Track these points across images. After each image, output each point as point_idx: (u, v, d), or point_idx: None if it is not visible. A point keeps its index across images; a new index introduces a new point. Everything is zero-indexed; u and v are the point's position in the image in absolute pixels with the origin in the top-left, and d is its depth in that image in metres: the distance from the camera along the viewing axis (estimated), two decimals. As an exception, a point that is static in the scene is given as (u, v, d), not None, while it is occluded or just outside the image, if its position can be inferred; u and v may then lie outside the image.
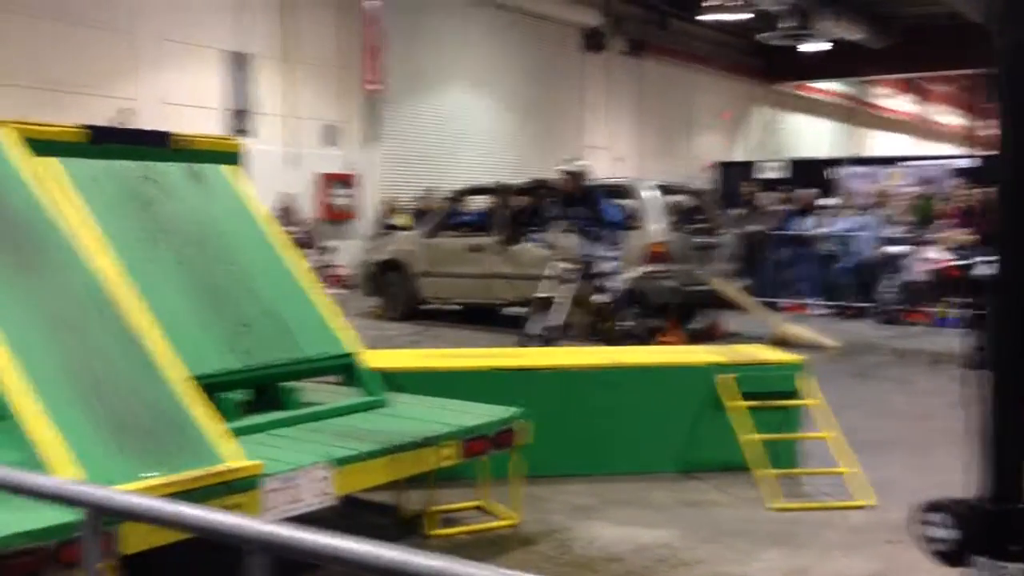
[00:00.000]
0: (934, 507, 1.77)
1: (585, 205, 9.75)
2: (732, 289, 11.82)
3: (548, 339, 8.92)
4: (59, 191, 4.19)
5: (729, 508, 5.22)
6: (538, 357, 6.21)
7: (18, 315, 3.47)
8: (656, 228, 11.55)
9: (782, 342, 11.11)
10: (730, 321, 12.69)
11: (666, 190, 13.05)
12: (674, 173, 23.85)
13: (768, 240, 14.85)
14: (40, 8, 14.17)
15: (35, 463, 3.11)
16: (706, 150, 27.23)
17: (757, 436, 5.55)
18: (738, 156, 28.27)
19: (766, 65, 29.05)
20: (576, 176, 9.80)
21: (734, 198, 16.54)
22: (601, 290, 9.62)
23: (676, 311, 11.74)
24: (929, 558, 1.79)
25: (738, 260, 13.29)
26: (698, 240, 12.08)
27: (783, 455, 5.80)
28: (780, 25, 23.16)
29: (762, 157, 24.50)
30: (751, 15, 23.18)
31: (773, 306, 14.26)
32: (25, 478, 1.88)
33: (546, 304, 9.24)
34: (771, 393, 5.84)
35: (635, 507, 5.18)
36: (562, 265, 9.49)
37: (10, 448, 3.34)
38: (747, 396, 5.73)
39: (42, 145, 4.32)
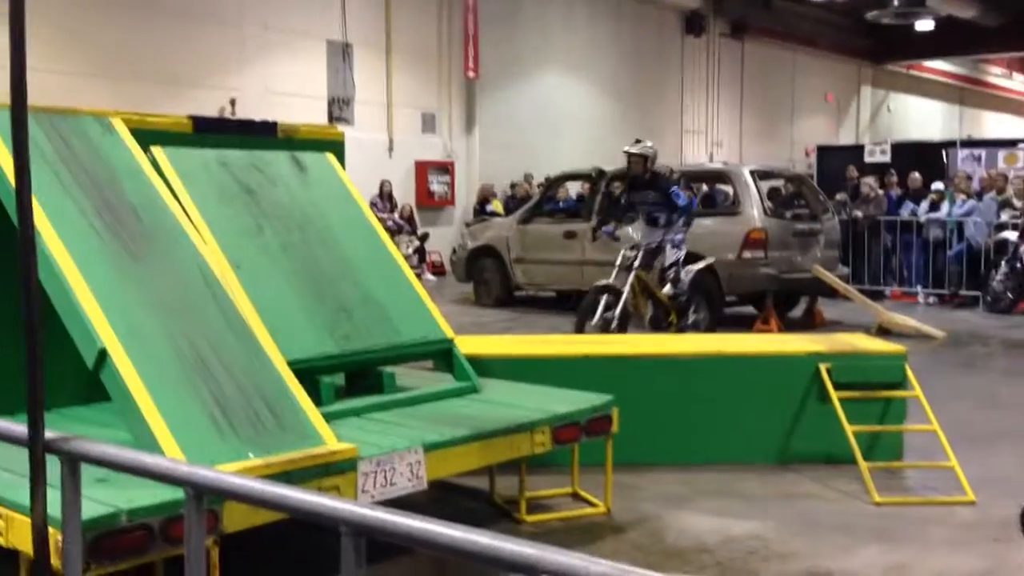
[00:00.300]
0: None
1: (653, 189, 9.27)
2: (833, 277, 11.54)
3: (605, 329, 8.53)
4: (166, 180, 4.35)
5: (827, 501, 5.11)
6: (632, 344, 6.18)
7: (130, 300, 3.63)
8: (754, 214, 11.34)
9: (886, 331, 10.83)
10: (831, 309, 12.41)
11: (765, 175, 12.80)
12: (775, 157, 23.39)
13: (874, 226, 14.42)
14: (152, 4, 14.68)
15: (144, 442, 3.26)
16: (809, 133, 26.59)
17: (858, 428, 5.42)
18: (843, 139, 27.53)
19: (874, 45, 28.15)
20: (643, 159, 9.26)
21: (838, 182, 16.11)
22: (666, 281, 9.18)
23: (774, 299, 11.53)
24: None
25: (841, 247, 12.96)
26: (799, 226, 11.82)
27: (885, 447, 5.67)
28: (891, 3, 22.42)
29: (869, 140, 23.80)
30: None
31: (879, 294, 13.88)
32: (133, 457, 1.97)
33: (609, 292, 8.82)
34: (873, 384, 5.71)
35: (728, 498, 5.12)
36: (624, 252, 9.07)
37: (123, 427, 3.50)
38: (848, 386, 5.60)
39: (149, 135, 4.50)
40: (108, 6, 14.19)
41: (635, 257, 8.98)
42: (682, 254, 9.30)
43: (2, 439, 2.16)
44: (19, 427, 2.04)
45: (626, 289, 8.81)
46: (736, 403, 5.71)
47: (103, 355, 3.38)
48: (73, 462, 2.01)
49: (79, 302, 3.49)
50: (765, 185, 12.72)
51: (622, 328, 8.72)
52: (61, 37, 13.44)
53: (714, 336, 6.80)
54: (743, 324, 11.41)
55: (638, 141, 9.55)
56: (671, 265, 9.20)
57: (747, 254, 11.19)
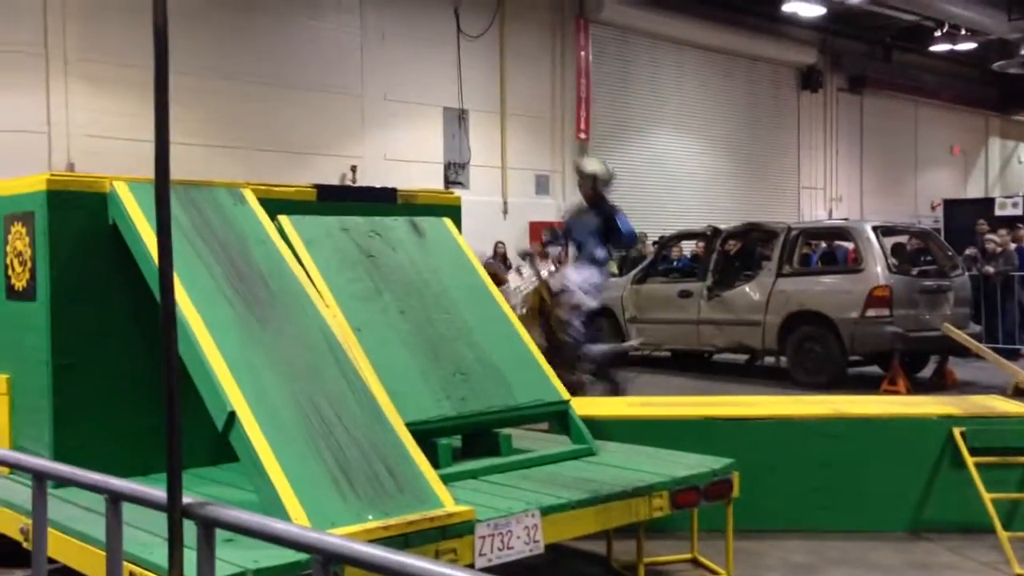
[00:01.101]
0: None
1: (598, 215, 7.85)
2: (964, 335, 11.05)
3: None
4: (291, 246, 4.52)
5: (965, 572, 4.85)
6: (755, 406, 6.03)
7: (258, 365, 3.77)
8: (877, 271, 11.02)
9: (1023, 392, 10.28)
10: (963, 370, 11.87)
11: (888, 231, 12.45)
12: (897, 212, 22.74)
13: (1007, 282, 13.80)
14: (281, 78, 15.42)
15: (270, 502, 3.35)
16: (934, 187, 25.78)
17: (997, 495, 5.14)
18: (971, 192, 26.58)
19: (1000, 95, 27.25)
20: (592, 179, 7.84)
21: (967, 237, 15.51)
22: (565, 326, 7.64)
23: (902, 358, 11.11)
24: None
25: (973, 304, 12.44)
26: (926, 283, 11.41)
27: (1026, 516, 5.35)
28: (1018, 52, 21.71)
29: (999, 193, 22.90)
30: (982, 44, 21.88)
31: (1015, 353, 13.21)
32: (263, 523, 2.03)
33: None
34: (1012, 448, 5.42)
35: (858, 567, 4.91)
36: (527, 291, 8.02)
37: (249, 487, 3.62)
38: (984, 451, 5.34)
39: (276, 204, 4.70)
40: (242, 83, 14.96)
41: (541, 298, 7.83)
42: (587, 295, 7.63)
43: (143, 503, 2.27)
44: (158, 492, 2.14)
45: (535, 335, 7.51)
46: (865, 468, 5.51)
47: (232, 418, 3.51)
48: (208, 527, 2.09)
49: (211, 367, 3.64)
50: (889, 241, 12.37)
51: None
52: (195, 112, 14.23)
53: (838, 398, 6.58)
54: (868, 385, 11.02)
55: (586, 156, 8.47)
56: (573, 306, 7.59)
57: (871, 312, 10.85)
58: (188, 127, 13.80)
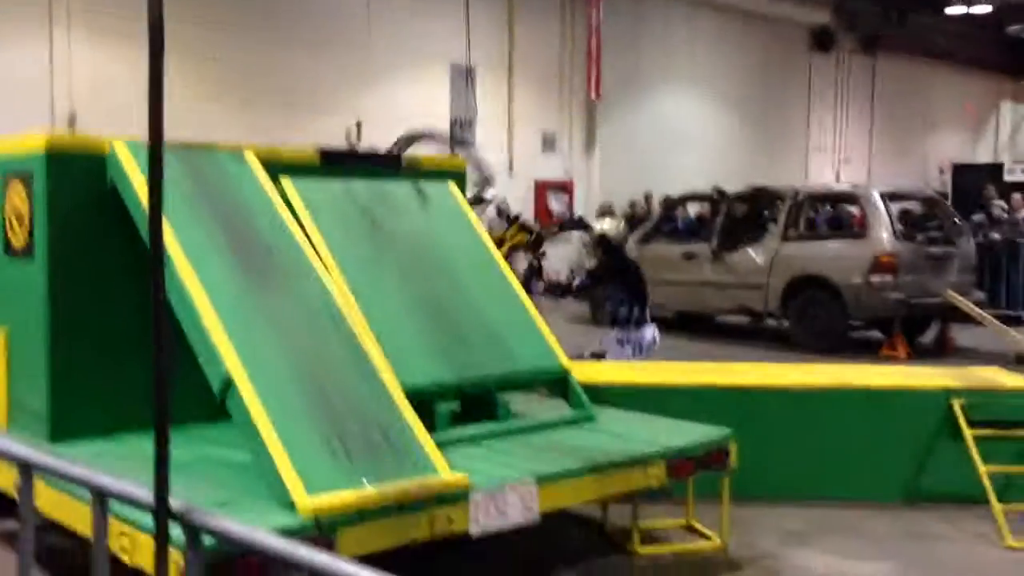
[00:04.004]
0: None
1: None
2: (967, 302, 11.03)
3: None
4: (293, 211, 4.51)
5: (956, 543, 4.89)
6: (755, 375, 6.04)
7: (257, 328, 3.78)
8: (883, 237, 10.98)
9: (1023, 360, 10.28)
10: (965, 336, 11.86)
11: (896, 196, 12.37)
12: (906, 175, 22.58)
13: (1012, 248, 13.73)
14: (284, 31, 15.26)
15: (264, 466, 3.38)
16: (944, 150, 25.59)
17: (993, 467, 5.17)
18: (981, 157, 26.36)
19: (1015, 59, 26.88)
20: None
21: (975, 201, 15.42)
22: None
23: (904, 324, 11.11)
24: None
25: (978, 271, 12.40)
26: (932, 249, 11.36)
27: (1021, 488, 5.37)
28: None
29: (1009, 158, 22.72)
30: (998, 7, 21.56)
31: (1018, 320, 13.19)
32: (250, 534, 2.06)
33: None
34: (1010, 421, 5.43)
35: (851, 536, 4.95)
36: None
37: (243, 448, 3.64)
38: (983, 424, 5.35)
39: (279, 167, 4.67)
40: (243, 35, 14.82)
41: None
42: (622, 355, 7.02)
43: (129, 502, 2.27)
44: (145, 491, 2.14)
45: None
46: (862, 438, 5.53)
47: (228, 383, 3.53)
48: (194, 532, 2.11)
49: (208, 331, 3.65)
50: (896, 207, 12.30)
51: None
52: (197, 66, 14.11)
53: (839, 367, 6.58)
54: (868, 350, 11.04)
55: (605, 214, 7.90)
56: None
57: (875, 278, 10.83)
58: (188, 81, 13.70)
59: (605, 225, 7.79)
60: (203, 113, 13.30)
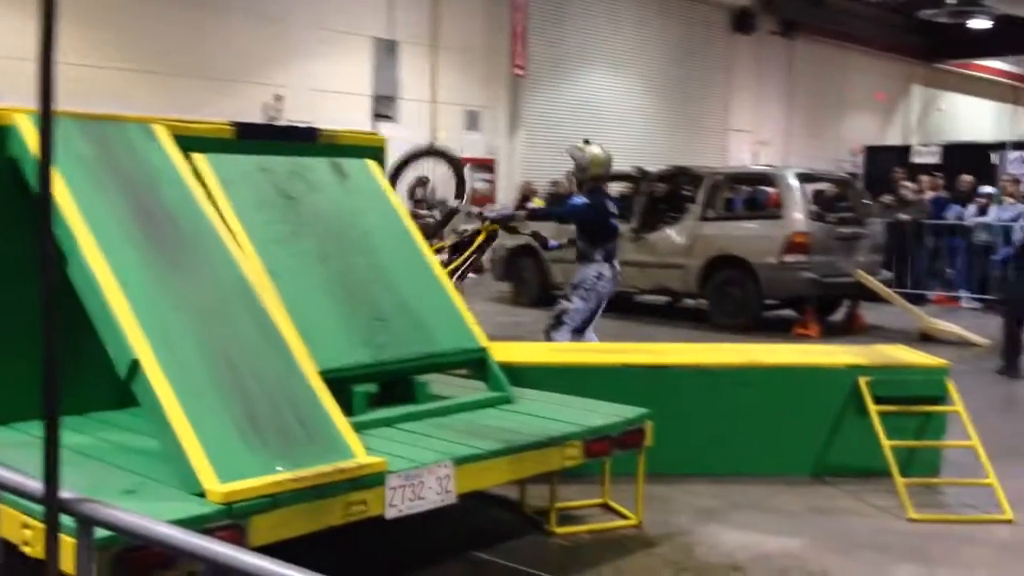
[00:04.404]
0: None
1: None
2: (876, 281, 11.38)
3: None
4: (206, 187, 4.39)
5: (863, 517, 5.05)
6: (669, 354, 6.13)
7: (165, 309, 3.67)
8: (797, 217, 11.23)
9: (928, 337, 10.66)
10: (873, 314, 12.23)
11: (810, 178, 12.66)
12: (822, 157, 23.09)
13: (919, 229, 14.19)
14: (207, 1, 14.84)
15: (173, 454, 3.30)
16: (858, 133, 26.20)
17: (896, 443, 5.35)
18: (892, 139, 27.10)
19: (927, 43, 27.64)
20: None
21: (885, 184, 15.86)
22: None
23: (815, 303, 11.40)
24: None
25: (885, 250, 12.77)
26: (842, 230, 11.67)
27: (923, 463, 5.59)
28: (945, 2, 22.02)
29: (918, 140, 23.41)
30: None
31: (922, 299, 13.65)
32: (144, 525, 1.99)
33: None
34: (914, 398, 5.62)
35: (761, 512, 5.08)
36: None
37: (151, 434, 3.55)
38: (888, 400, 5.53)
39: (191, 142, 4.54)
40: (161, 5, 14.37)
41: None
42: (574, 306, 7.35)
43: (19, 494, 2.20)
44: (35, 483, 2.08)
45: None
46: (773, 415, 5.66)
47: (135, 366, 3.43)
48: (85, 524, 2.05)
49: (113, 310, 3.53)
50: (810, 188, 12.58)
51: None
52: (108, 33, 13.66)
53: (752, 346, 6.73)
54: (782, 328, 11.30)
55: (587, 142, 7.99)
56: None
57: (789, 258, 11.09)
58: (98, 48, 13.26)
59: (593, 149, 7.77)
60: (110, 83, 12.91)
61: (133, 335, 3.47)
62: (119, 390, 3.98)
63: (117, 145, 4.22)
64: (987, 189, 14.34)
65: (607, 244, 7.56)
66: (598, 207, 7.52)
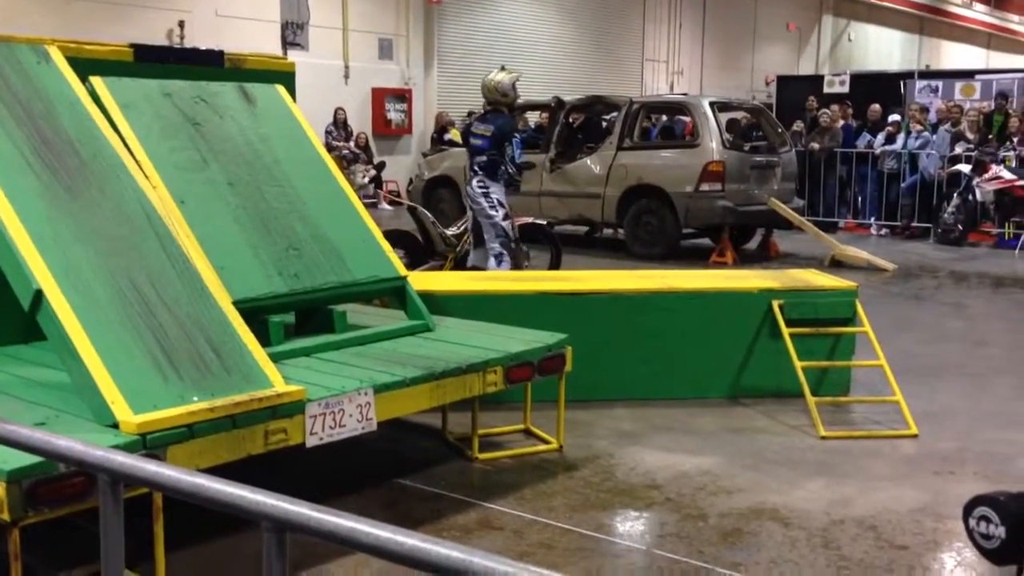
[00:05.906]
0: (979, 501, 1.65)
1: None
2: (789, 209, 11.60)
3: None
4: (106, 112, 4.19)
5: (775, 436, 5.19)
6: (586, 281, 6.16)
7: (68, 239, 3.51)
8: (712, 146, 11.32)
9: (838, 263, 10.95)
10: (786, 242, 12.50)
11: (724, 107, 12.75)
12: (736, 87, 23.30)
13: (830, 158, 14.47)
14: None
15: (84, 385, 3.19)
16: (771, 63, 26.47)
17: (808, 363, 5.49)
18: (804, 69, 27.45)
19: (837, -27, 27.92)
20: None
21: (797, 113, 16.09)
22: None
23: (731, 231, 11.58)
24: (978, 555, 1.70)
25: (797, 179, 13.01)
26: (757, 159, 11.82)
27: (834, 382, 5.76)
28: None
29: (829, 70, 23.74)
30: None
31: (833, 226, 13.99)
32: (44, 439, 1.90)
33: None
34: (824, 320, 5.76)
35: (679, 433, 5.18)
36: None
37: (60, 367, 3.43)
38: (800, 323, 5.66)
39: (88, 65, 4.33)
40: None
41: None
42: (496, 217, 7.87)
43: None
44: None
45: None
46: (690, 339, 5.75)
47: (39, 296, 3.29)
48: None
49: (13, 241, 3.37)
50: (724, 117, 12.68)
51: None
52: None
53: (669, 272, 6.80)
54: (699, 256, 11.47)
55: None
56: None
57: (705, 187, 11.20)
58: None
59: (500, 76, 8.20)
60: (5, 5, 12.22)
61: (35, 265, 3.32)
62: (26, 324, 3.84)
63: (7, 68, 3.99)
64: (895, 118, 14.66)
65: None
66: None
